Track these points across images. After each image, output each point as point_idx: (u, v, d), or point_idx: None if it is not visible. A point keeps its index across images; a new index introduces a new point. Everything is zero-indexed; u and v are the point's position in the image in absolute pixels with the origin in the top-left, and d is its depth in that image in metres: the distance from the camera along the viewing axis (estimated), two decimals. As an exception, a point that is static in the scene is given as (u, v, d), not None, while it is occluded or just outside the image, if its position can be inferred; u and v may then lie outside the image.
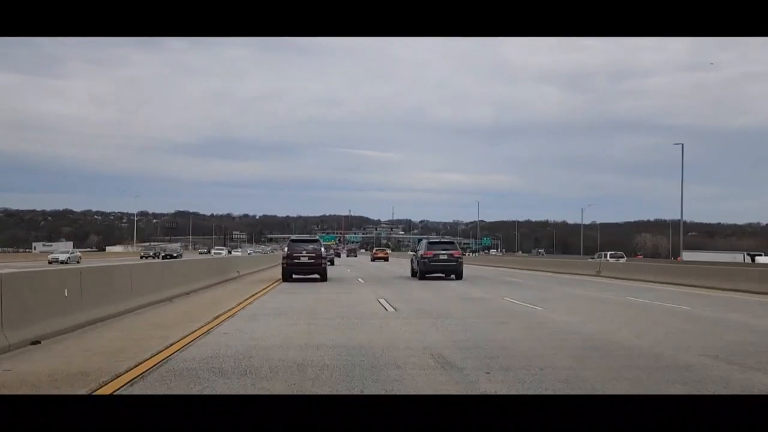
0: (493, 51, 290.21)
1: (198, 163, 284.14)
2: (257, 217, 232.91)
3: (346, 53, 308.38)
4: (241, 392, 6.08)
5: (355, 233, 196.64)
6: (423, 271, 27.65)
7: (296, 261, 25.19)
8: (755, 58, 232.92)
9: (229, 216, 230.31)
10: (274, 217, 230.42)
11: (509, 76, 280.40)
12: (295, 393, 6.02)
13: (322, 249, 25.78)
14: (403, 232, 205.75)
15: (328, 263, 30.55)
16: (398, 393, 6.02)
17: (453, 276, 27.59)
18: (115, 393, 5.93)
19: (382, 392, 6.11)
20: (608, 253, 76.54)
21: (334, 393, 5.96)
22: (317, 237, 32.45)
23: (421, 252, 28.55)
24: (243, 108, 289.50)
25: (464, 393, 6.13)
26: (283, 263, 25.68)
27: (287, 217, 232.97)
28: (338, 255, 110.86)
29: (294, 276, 25.37)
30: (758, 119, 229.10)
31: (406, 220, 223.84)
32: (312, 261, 25.21)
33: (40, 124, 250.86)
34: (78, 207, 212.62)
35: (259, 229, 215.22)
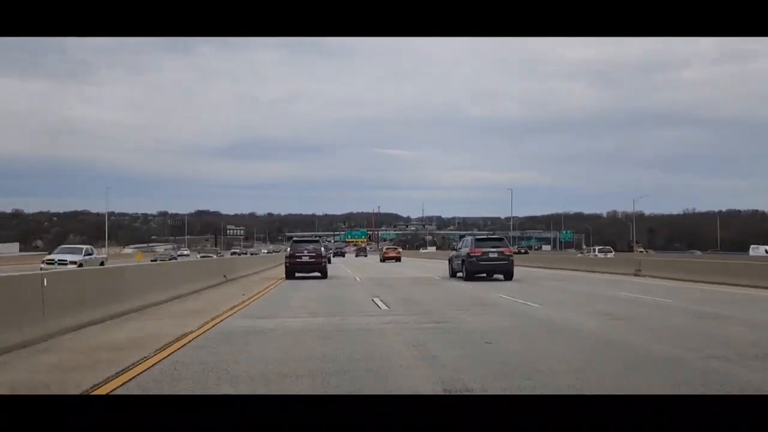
0: (523, 47, 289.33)
1: (225, 165, 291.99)
2: (281, 215, 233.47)
3: (371, 53, 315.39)
4: None
5: (385, 230, 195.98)
6: (470, 271, 26.51)
7: (298, 260, 28.24)
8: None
9: (252, 215, 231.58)
10: (299, 215, 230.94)
11: (539, 71, 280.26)
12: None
13: (322, 249, 29.54)
14: (436, 228, 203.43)
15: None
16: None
17: (502, 276, 26.64)
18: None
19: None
20: (596, 248, 78.30)
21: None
22: (317, 238, 35.79)
23: (466, 250, 27.44)
24: (270, 110, 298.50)
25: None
26: (286, 262, 28.64)
27: (312, 215, 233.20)
28: (342, 254, 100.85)
29: (297, 274, 28.23)
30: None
31: (437, 216, 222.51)
32: (313, 260, 28.28)
33: (73, 129, 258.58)
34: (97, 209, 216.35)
35: (278, 227, 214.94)
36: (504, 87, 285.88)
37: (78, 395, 5.54)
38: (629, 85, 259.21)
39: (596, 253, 68.55)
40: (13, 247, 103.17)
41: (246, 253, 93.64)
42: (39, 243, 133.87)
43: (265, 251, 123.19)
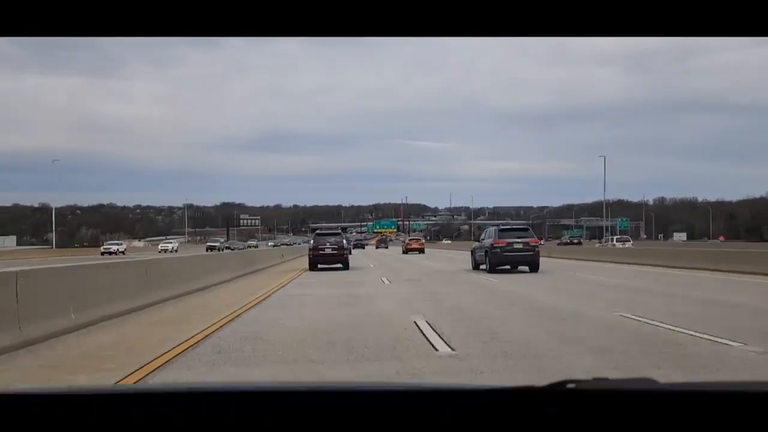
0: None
1: (253, 158, 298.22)
2: (307, 207, 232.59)
3: (398, 43, 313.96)
4: None
5: (414, 220, 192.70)
6: (494, 263, 25.61)
7: (321, 252, 29.55)
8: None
9: (278, 207, 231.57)
10: (325, 206, 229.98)
11: (568, 59, 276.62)
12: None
13: (344, 241, 30.91)
14: (466, 218, 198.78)
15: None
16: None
17: (527, 268, 25.81)
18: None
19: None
20: (614, 237, 74.73)
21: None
22: (339, 230, 36.51)
23: (489, 240, 26.37)
24: (297, 102, 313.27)
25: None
26: (309, 254, 30.15)
27: (338, 206, 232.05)
28: (362, 246, 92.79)
29: (319, 266, 29.42)
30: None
31: (465, 207, 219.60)
32: (335, 252, 29.52)
33: (105, 125, 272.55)
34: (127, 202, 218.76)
35: (302, 218, 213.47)
36: (533, 75, 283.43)
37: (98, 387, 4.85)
38: (661, 71, 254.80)
39: (614, 242, 66.62)
40: (9, 241, 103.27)
41: (242, 247, 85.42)
42: (49, 236, 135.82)
43: (272, 244, 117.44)
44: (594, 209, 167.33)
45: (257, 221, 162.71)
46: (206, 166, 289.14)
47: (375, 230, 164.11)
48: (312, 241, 30.80)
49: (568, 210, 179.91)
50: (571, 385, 1.67)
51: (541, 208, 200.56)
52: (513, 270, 25.83)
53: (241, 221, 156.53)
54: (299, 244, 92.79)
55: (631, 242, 65.16)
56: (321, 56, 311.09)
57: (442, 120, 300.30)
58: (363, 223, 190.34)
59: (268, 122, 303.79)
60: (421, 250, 59.78)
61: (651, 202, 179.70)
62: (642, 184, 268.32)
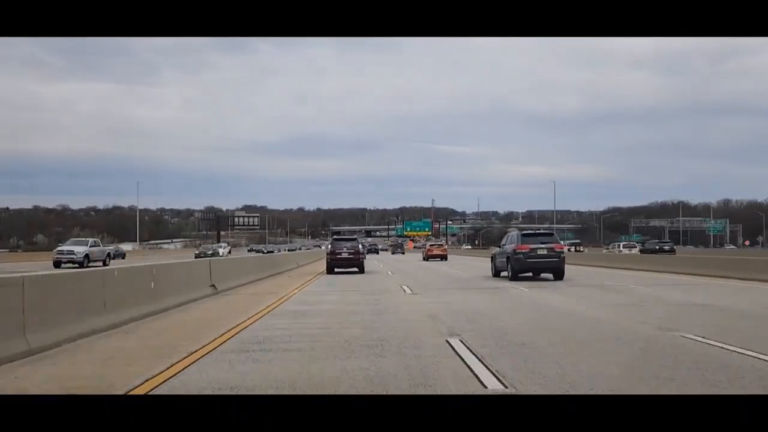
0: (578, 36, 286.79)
1: (277, 162, 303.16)
2: (331, 209, 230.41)
3: (424, 45, 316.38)
4: None
5: (452, 223, 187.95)
6: (517, 270, 24.55)
7: (338, 257, 31.72)
8: None
9: (300, 210, 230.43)
10: (348, 209, 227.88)
11: (598, 61, 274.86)
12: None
13: (360, 246, 32.88)
14: (499, 223, 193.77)
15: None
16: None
17: (552, 276, 24.74)
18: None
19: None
20: (620, 244, 73.16)
21: None
22: (355, 236, 40.49)
23: (512, 246, 25.27)
24: (325, 106, 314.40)
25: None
26: (327, 258, 32.37)
27: (363, 209, 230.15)
28: (375, 251, 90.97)
29: (336, 270, 31.60)
30: None
31: (493, 212, 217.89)
32: (351, 256, 31.69)
33: (137, 129, 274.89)
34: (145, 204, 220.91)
35: (323, 220, 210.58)
36: (562, 78, 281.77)
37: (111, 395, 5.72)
38: (695, 74, 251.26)
39: (621, 249, 63.90)
40: None
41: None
42: (39, 237, 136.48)
43: (264, 250, 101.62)
44: (650, 212, 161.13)
45: (255, 219, 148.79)
46: (229, 168, 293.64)
47: (406, 232, 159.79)
48: (330, 246, 33.45)
49: (612, 211, 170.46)
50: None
51: (579, 212, 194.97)
52: (535, 277, 24.84)
53: (236, 220, 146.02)
54: (300, 249, 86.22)
55: (637, 248, 63.21)
56: (347, 60, 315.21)
57: (468, 123, 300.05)
58: (391, 226, 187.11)
59: (296, 126, 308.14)
60: (443, 257, 56.56)
61: (714, 204, 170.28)
62: (684, 185, 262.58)
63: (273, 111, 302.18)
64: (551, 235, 27.37)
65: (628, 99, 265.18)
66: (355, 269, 31.62)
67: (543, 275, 24.93)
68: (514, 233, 27.41)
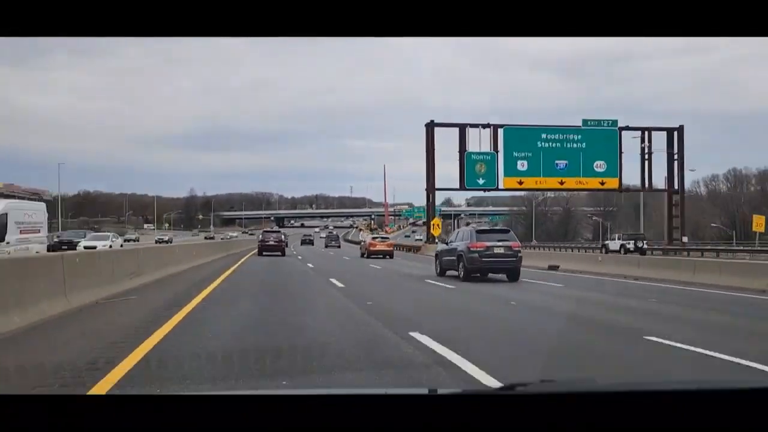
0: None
1: (185, 155, 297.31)
2: (230, 194, 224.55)
3: (340, 40, 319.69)
4: None
5: (408, 208, 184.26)
6: (470, 270, 22.89)
7: (266, 244, 44.59)
8: None
9: (193, 197, 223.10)
10: (250, 194, 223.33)
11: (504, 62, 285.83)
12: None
13: (282, 236, 47.09)
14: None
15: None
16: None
17: (506, 277, 23.15)
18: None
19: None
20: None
21: None
22: (278, 228, 60.21)
23: (464, 243, 23.57)
24: (234, 98, 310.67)
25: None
26: (258, 245, 45.70)
27: (269, 193, 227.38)
28: (310, 242, 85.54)
29: (264, 253, 43.57)
30: None
31: (408, 203, 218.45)
32: (276, 244, 44.62)
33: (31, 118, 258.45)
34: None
35: (215, 205, 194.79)
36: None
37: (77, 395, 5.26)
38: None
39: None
40: None
41: None
42: None
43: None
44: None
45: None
46: (135, 160, 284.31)
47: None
48: (260, 235, 48.52)
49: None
50: (520, 389, 2.00)
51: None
52: (483, 278, 23.07)
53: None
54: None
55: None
56: (260, 51, 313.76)
57: (384, 119, 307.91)
58: (335, 210, 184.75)
59: (203, 118, 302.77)
60: (390, 255, 47.31)
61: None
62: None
63: (178, 102, 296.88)
64: (507, 231, 26.00)
65: (530, 99, 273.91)
66: (279, 253, 43.78)
67: (491, 275, 23.21)
68: (466, 229, 26.31)
